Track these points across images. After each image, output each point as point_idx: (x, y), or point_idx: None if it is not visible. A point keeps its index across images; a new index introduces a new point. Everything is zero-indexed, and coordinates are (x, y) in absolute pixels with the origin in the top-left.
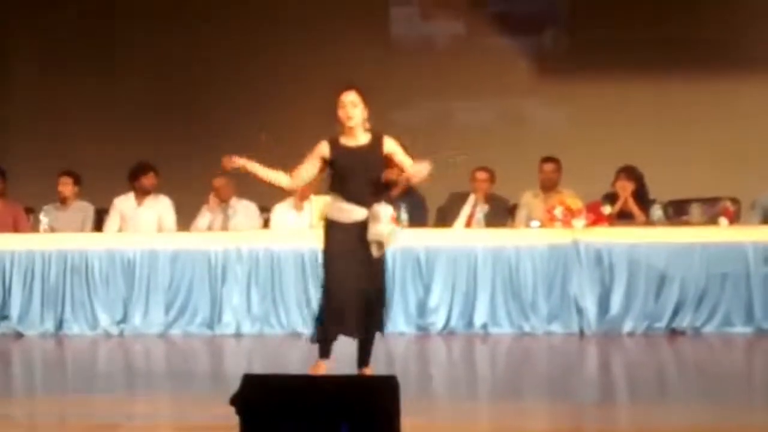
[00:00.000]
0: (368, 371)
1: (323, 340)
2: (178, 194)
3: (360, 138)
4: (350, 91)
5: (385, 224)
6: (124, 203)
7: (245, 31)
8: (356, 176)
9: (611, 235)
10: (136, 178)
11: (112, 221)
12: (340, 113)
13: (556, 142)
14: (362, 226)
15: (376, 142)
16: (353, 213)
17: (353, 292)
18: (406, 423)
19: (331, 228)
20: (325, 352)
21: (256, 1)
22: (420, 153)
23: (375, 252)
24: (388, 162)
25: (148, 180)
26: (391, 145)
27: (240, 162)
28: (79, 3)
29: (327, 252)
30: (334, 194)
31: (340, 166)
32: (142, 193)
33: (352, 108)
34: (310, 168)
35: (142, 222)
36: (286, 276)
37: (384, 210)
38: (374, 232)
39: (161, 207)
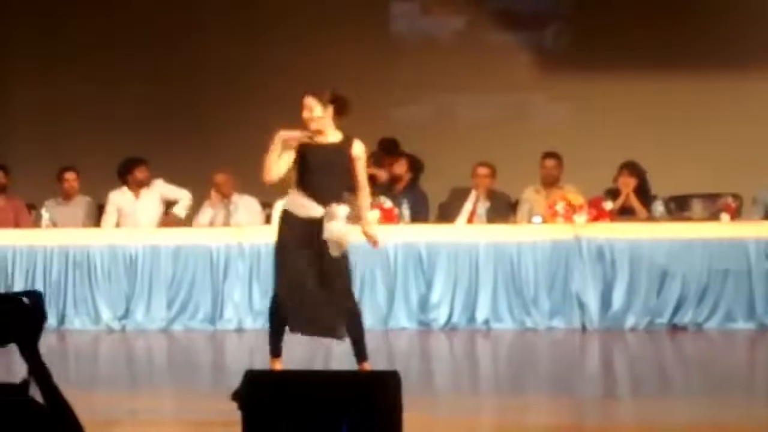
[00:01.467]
0: (367, 366)
1: (274, 335)
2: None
3: (330, 136)
4: (306, 95)
5: (341, 223)
6: (121, 198)
7: (244, 28)
8: (320, 173)
9: (613, 230)
10: (129, 172)
11: (109, 216)
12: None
13: (558, 137)
14: (318, 224)
15: (346, 143)
16: (311, 209)
17: (309, 288)
18: (408, 418)
19: (287, 221)
20: (275, 351)
21: None
22: (422, 148)
23: (334, 251)
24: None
25: (141, 173)
26: (357, 151)
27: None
28: (81, 5)
29: (280, 245)
30: (295, 188)
31: (305, 161)
32: (137, 187)
33: (308, 112)
34: (286, 158)
35: (142, 214)
36: None
37: (340, 209)
38: (329, 229)
39: (160, 189)
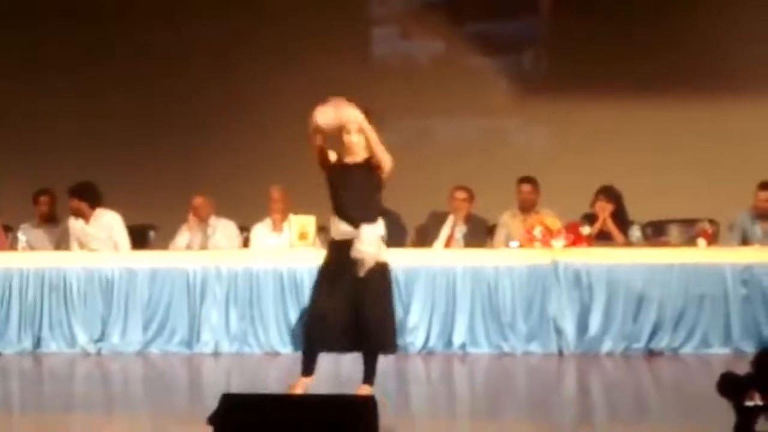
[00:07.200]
0: (364, 390)
1: (305, 355)
2: (157, 213)
3: (359, 155)
4: None
5: (367, 244)
6: (75, 224)
7: (224, 52)
8: (349, 193)
9: (590, 255)
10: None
11: (72, 241)
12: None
13: (536, 162)
14: (350, 245)
15: (371, 160)
16: (346, 230)
17: (336, 308)
18: None
19: (330, 245)
20: (307, 370)
21: (235, 20)
22: (400, 172)
23: (359, 271)
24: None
25: (73, 203)
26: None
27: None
28: (60, 20)
29: (320, 268)
30: (333, 212)
31: (334, 182)
32: (78, 214)
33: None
34: (330, 154)
35: (93, 239)
36: (265, 295)
37: (369, 231)
38: (356, 249)
39: (111, 222)
